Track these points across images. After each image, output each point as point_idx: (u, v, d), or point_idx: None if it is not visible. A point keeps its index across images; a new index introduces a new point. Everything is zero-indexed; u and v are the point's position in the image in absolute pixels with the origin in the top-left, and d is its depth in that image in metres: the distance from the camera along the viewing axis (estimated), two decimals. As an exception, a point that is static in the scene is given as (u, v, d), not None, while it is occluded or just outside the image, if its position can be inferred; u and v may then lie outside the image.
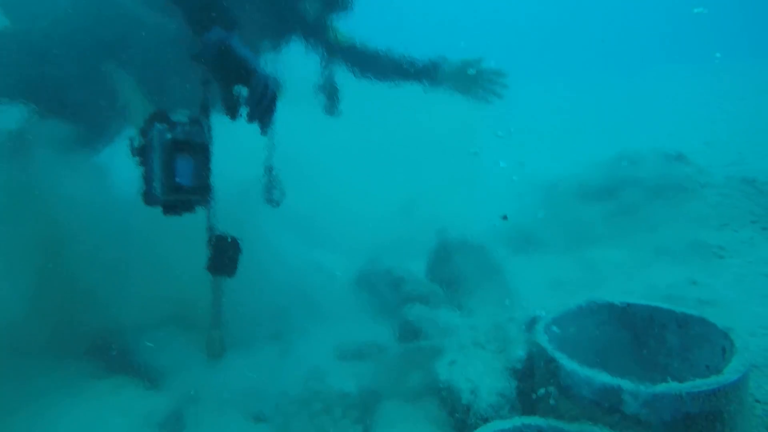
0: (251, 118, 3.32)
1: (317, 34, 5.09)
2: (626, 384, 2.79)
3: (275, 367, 4.72)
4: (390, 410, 3.68)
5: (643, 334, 4.01)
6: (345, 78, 5.43)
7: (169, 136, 2.94)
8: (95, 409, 4.06)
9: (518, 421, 2.81)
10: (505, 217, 7.12)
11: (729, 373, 2.90)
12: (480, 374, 3.25)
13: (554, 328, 3.64)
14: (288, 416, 3.85)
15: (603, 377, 2.86)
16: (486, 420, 2.88)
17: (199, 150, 3.22)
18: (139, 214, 3.48)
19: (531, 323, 3.76)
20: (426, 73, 5.61)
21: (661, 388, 2.78)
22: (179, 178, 3.01)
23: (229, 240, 3.68)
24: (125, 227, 4.80)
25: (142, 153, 3.04)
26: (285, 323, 5.50)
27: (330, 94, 5.19)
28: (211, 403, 4.15)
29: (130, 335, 4.77)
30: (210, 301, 4.48)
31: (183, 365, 4.63)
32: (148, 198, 3.13)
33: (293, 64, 5.17)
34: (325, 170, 9.67)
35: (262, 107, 3.29)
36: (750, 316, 4.78)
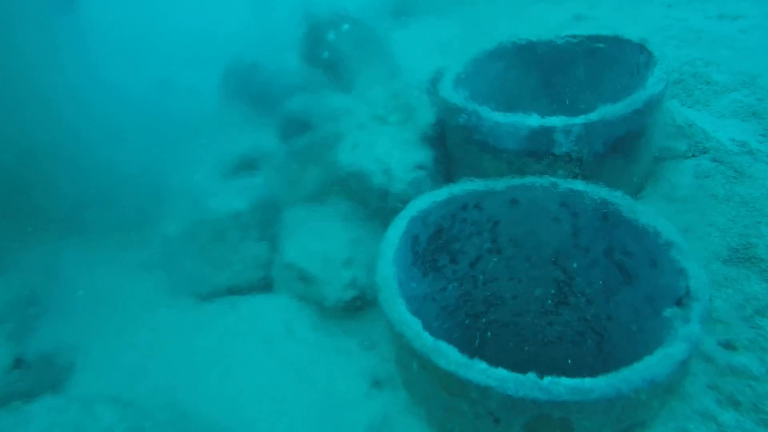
0: None
1: None
2: (558, 121, 2.40)
3: (145, 209, 3.87)
4: (293, 218, 3.15)
5: (551, 72, 3.63)
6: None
7: None
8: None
9: (442, 193, 2.39)
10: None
11: (655, 84, 2.60)
12: (389, 151, 2.70)
13: (462, 83, 3.10)
14: (174, 256, 3.19)
15: (531, 121, 2.43)
16: (406, 201, 2.42)
17: None
18: None
19: (434, 82, 3.18)
20: None
21: (593, 116, 2.43)
22: None
23: None
24: None
25: None
26: (147, 154, 4.47)
27: None
28: (72, 270, 3.34)
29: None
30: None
31: (24, 244, 3.63)
32: None
33: None
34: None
35: None
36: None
